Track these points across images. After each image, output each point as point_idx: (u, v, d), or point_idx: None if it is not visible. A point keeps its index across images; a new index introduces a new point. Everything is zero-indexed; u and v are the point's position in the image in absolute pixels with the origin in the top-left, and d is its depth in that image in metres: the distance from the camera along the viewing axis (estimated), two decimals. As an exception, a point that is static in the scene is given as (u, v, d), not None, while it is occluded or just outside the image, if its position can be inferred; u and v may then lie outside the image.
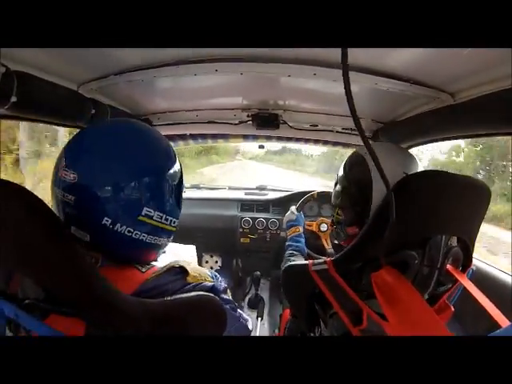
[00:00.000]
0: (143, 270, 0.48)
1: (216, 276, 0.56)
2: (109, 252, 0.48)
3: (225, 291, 0.56)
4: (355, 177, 0.70)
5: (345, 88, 0.35)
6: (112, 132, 0.51)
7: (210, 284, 0.51)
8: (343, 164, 0.77)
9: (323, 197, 1.33)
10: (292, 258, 0.96)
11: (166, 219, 0.51)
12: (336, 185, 0.78)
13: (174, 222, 0.54)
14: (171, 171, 0.52)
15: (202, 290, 0.49)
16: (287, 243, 1.06)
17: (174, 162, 0.53)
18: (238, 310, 0.61)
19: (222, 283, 0.56)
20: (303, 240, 1.06)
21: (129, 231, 0.47)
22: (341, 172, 0.76)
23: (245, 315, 0.63)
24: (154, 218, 0.49)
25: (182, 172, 0.56)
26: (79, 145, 0.50)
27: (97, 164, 0.46)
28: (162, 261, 0.54)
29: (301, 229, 1.09)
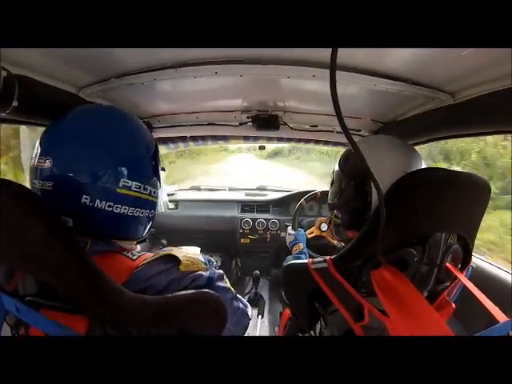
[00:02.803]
0: (134, 257, 0.48)
1: (210, 261, 0.55)
2: (95, 233, 0.48)
3: (221, 278, 0.56)
4: (352, 174, 0.68)
5: (330, 86, 0.35)
6: (82, 114, 0.52)
7: (206, 275, 0.51)
8: (338, 160, 0.75)
9: (325, 196, 1.32)
10: None
11: (145, 189, 0.51)
12: (332, 182, 0.77)
13: (155, 192, 0.54)
14: (144, 144, 0.53)
15: (199, 285, 0.48)
16: (289, 262, 1.08)
17: (148, 135, 0.55)
18: (238, 296, 0.61)
19: (218, 270, 0.56)
20: (304, 256, 1.09)
21: (109, 206, 0.47)
22: (336, 170, 0.74)
23: (244, 301, 0.63)
24: (133, 188, 0.49)
25: (155, 143, 0.57)
26: (51, 132, 0.51)
27: (69, 145, 0.47)
28: None
29: (301, 245, 1.12)
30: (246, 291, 1.93)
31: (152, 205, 0.55)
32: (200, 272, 0.50)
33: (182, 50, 0.71)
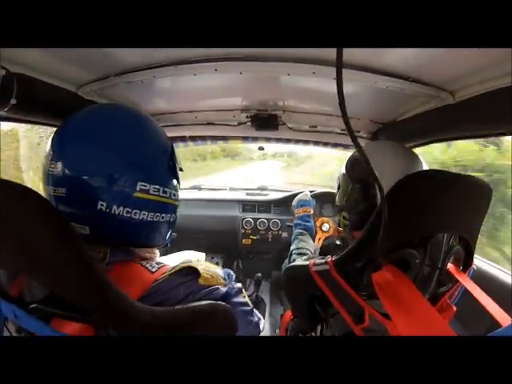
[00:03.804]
0: (153, 270, 0.45)
1: (229, 275, 0.54)
2: (113, 242, 0.46)
3: (239, 293, 0.54)
4: (358, 178, 0.70)
5: (337, 89, 0.35)
6: (94, 116, 0.49)
7: (223, 290, 0.49)
8: (345, 164, 0.76)
9: (325, 197, 1.33)
10: (301, 237, 0.96)
11: (165, 191, 0.48)
12: (339, 186, 0.78)
13: (174, 195, 0.51)
14: (161, 144, 0.50)
15: (214, 299, 0.46)
16: (295, 221, 1.05)
17: (163, 135, 0.52)
18: (254, 310, 0.59)
19: (236, 284, 0.54)
20: (312, 221, 1.06)
21: (127, 212, 0.44)
22: (343, 172, 0.76)
23: (258, 314, 0.62)
24: (151, 191, 0.46)
25: (171, 143, 0.54)
26: (62, 135, 0.48)
27: (81, 147, 0.44)
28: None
29: (311, 210, 1.08)
30: (248, 294, 1.92)
31: (173, 208, 0.52)
32: (218, 286, 0.48)
33: (182, 48, 0.71)
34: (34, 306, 0.39)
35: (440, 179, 0.55)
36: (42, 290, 0.41)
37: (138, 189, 0.45)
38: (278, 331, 1.36)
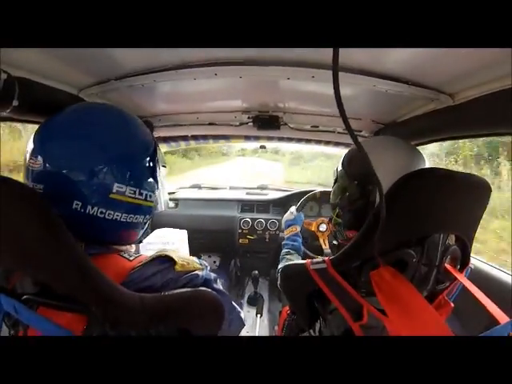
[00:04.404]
0: (131, 258, 0.47)
1: (203, 264, 0.55)
2: (87, 239, 0.46)
3: (215, 281, 0.55)
4: (355, 175, 0.69)
5: (334, 88, 0.35)
6: (77, 114, 0.49)
7: (203, 276, 0.50)
8: (342, 159, 0.75)
9: (325, 196, 1.33)
10: (288, 257, 0.97)
11: (141, 193, 0.48)
12: (335, 182, 0.78)
13: (150, 196, 0.51)
14: (140, 146, 0.50)
15: (197, 285, 0.48)
16: (284, 242, 1.07)
17: (143, 134, 0.51)
18: (231, 300, 0.60)
19: (212, 273, 0.55)
20: (300, 239, 1.07)
21: (101, 212, 0.44)
22: (340, 168, 0.75)
23: (237, 307, 0.63)
24: (127, 193, 0.46)
25: (154, 143, 0.53)
26: (44, 130, 0.47)
27: (60, 145, 0.44)
28: (152, 245, 0.54)
29: (298, 228, 1.10)
30: (246, 291, 1.93)
31: (148, 210, 0.52)
32: (196, 272, 0.49)
33: (182, 52, 0.71)
34: (26, 297, 0.39)
35: (436, 178, 0.55)
36: (34, 284, 0.42)
37: (114, 190, 0.45)
38: (276, 328, 1.36)
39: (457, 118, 0.77)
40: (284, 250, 1.02)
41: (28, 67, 0.65)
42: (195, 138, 1.50)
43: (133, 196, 0.47)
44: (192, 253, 0.99)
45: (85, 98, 0.85)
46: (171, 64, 0.76)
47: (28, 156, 0.45)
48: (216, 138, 1.50)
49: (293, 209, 1.19)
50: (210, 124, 1.30)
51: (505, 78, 0.59)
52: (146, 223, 0.54)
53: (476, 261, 1.03)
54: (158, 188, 0.54)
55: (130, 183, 0.46)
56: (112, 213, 0.45)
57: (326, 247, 1.24)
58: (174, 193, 1.97)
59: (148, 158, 0.50)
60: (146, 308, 0.40)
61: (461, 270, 0.62)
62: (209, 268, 0.55)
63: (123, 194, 0.46)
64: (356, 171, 0.69)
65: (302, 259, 0.93)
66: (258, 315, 1.63)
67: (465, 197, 0.57)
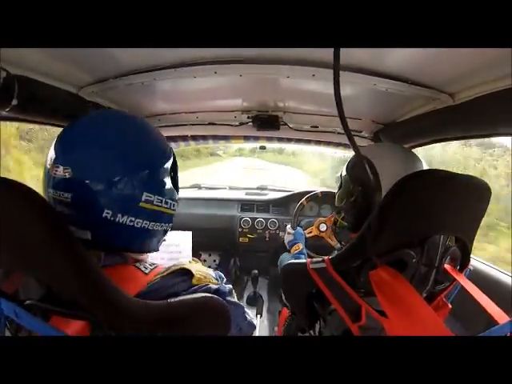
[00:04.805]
0: (146, 271, 0.47)
1: (221, 277, 0.56)
2: (111, 247, 0.47)
3: (231, 293, 0.56)
4: (359, 180, 0.70)
5: (334, 89, 0.34)
6: (103, 122, 0.50)
7: (215, 287, 0.51)
8: (346, 165, 0.77)
9: (325, 197, 1.33)
10: None
11: (166, 202, 0.51)
12: (340, 186, 0.78)
13: (174, 205, 0.53)
14: (164, 155, 0.51)
15: (207, 292, 0.48)
16: (288, 262, 1.08)
17: (166, 146, 0.53)
18: (245, 310, 0.62)
19: (227, 285, 0.56)
20: (304, 256, 1.10)
21: (131, 221, 0.46)
22: (344, 174, 0.76)
23: (250, 314, 0.64)
24: (155, 202, 0.48)
25: (174, 154, 0.55)
26: (69, 138, 0.48)
27: (92, 156, 0.45)
28: (161, 249, 0.56)
29: (301, 245, 1.13)
30: (245, 290, 1.93)
31: (169, 218, 0.54)
32: (210, 285, 0.50)
33: (182, 50, 0.71)
34: (29, 302, 0.39)
35: (437, 179, 0.55)
36: (38, 289, 0.42)
37: (143, 199, 0.47)
38: (276, 328, 1.36)
39: (457, 117, 0.77)
40: None
41: (27, 65, 0.65)
42: (195, 138, 1.50)
43: (159, 205, 0.49)
44: (192, 251, 1.00)
45: (84, 96, 0.85)
46: (171, 62, 0.76)
47: (51, 164, 0.45)
48: (215, 138, 1.50)
49: (288, 228, 1.22)
50: (210, 124, 1.30)
51: (505, 78, 0.59)
52: (165, 232, 0.56)
53: (475, 262, 1.03)
54: (178, 195, 0.55)
55: (157, 193, 0.49)
56: (141, 221, 0.47)
57: (334, 243, 1.24)
58: None
59: (170, 169, 0.52)
60: (150, 314, 0.40)
61: (460, 271, 0.63)
62: (225, 280, 0.56)
63: (151, 203, 0.48)
64: (359, 177, 0.70)
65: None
66: (258, 316, 1.64)
67: (465, 198, 0.58)
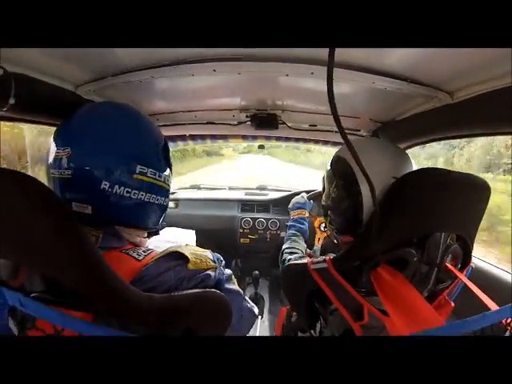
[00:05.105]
0: (140, 257, 0.48)
1: (219, 259, 0.56)
2: (112, 220, 0.51)
3: (229, 279, 0.57)
4: (341, 174, 0.68)
5: (327, 87, 0.34)
6: (99, 111, 0.56)
7: (215, 276, 0.51)
8: (330, 161, 0.75)
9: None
10: (293, 238, 0.97)
11: (160, 176, 0.55)
12: (324, 184, 0.77)
13: (168, 180, 0.58)
14: (156, 134, 0.58)
15: (208, 286, 0.49)
16: (290, 223, 1.05)
17: (158, 129, 0.61)
18: (245, 297, 0.63)
19: (227, 271, 0.57)
20: (306, 224, 1.05)
21: (127, 192, 0.50)
22: (328, 170, 0.74)
23: (251, 302, 0.65)
24: (148, 174, 0.53)
25: (166, 140, 0.61)
26: (67, 127, 0.53)
27: (88, 134, 0.50)
28: (160, 242, 0.57)
29: (307, 213, 1.09)
30: (246, 291, 1.93)
31: (166, 192, 0.58)
32: (209, 272, 0.50)
33: (180, 48, 0.70)
34: (34, 294, 0.40)
35: (437, 178, 0.55)
36: (42, 282, 0.42)
37: (137, 171, 0.51)
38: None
39: (455, 116, 0.77)
40: (290, 231, 1.00)
41: (24, 63, 0.64)
42: (193, 137, 1.50)
43: (153, 177, 0.54)
44: None
45: (82, 95, 0.84)
46: (169, 60, 0.75)
47: (54, 149, 0.50)
48: (214, 137, 1.50)
49: (304, 194, 1.17)
50: (208, 123, 1.30)
51: (504, 77, 0.60)
52: (163, 207, 0.59)
53: (477, 260, 1.04)
54: (171, 174, 0.61)
55: (151, 166, 0.53)
56: (137, 192, 0.52)
57: (317, 244, 1.22)
58: (173, 193, 1.97)
59: (162, 149, 0.58)
60: (153, 307, 0.41)
61: (462, 270, 0.63)
62: (223, 263, 0.57)
63: (145, 175, 0.52)
64: (342, 171, 0.68)
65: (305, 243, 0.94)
66: (259, 316, 1.64)
67: (465, 196, 0.58)
